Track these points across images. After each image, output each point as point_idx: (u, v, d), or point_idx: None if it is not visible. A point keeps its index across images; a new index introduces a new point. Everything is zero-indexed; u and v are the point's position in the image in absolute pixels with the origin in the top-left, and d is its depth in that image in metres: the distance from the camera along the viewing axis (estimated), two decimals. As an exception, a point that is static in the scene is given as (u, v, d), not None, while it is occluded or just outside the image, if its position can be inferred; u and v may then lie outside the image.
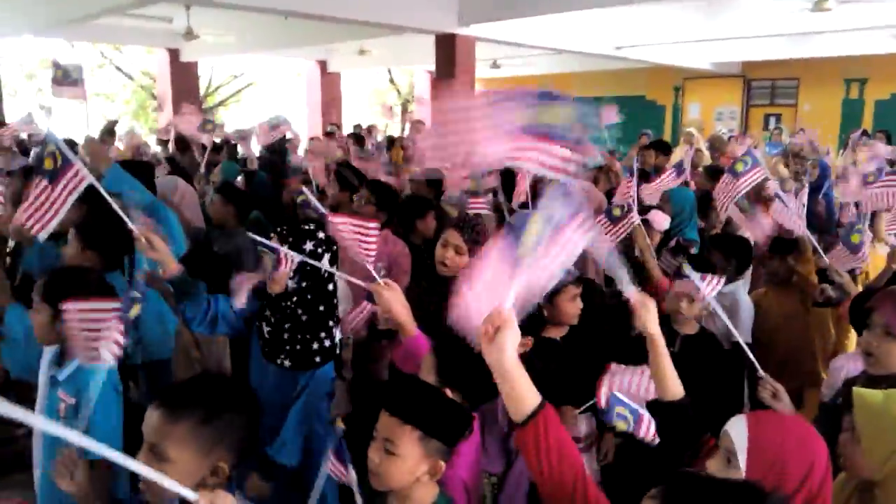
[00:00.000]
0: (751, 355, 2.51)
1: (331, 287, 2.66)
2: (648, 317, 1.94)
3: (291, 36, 12.82)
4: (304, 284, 2.59)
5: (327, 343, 2.64)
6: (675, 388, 1.95)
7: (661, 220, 4.42)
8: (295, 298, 2.60)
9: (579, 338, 3.15)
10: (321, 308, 2.63)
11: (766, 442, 1.60)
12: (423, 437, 1.71)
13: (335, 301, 2.69)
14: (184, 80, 15.15)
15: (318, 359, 2.62)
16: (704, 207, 5.33)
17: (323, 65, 17.24)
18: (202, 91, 20.64)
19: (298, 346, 2.61)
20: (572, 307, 3.10)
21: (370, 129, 11.80)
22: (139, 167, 4.41)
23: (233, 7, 8.79)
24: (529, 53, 14.75)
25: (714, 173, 7.05)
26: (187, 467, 1.50)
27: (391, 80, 24.37)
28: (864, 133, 11.38)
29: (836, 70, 14.73)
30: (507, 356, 1.52)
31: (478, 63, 15.92)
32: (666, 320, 3.19)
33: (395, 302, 2.29)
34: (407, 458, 1.71)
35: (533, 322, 3.05)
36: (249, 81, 23.02)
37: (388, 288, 2.30)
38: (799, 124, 13.74)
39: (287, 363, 2.62)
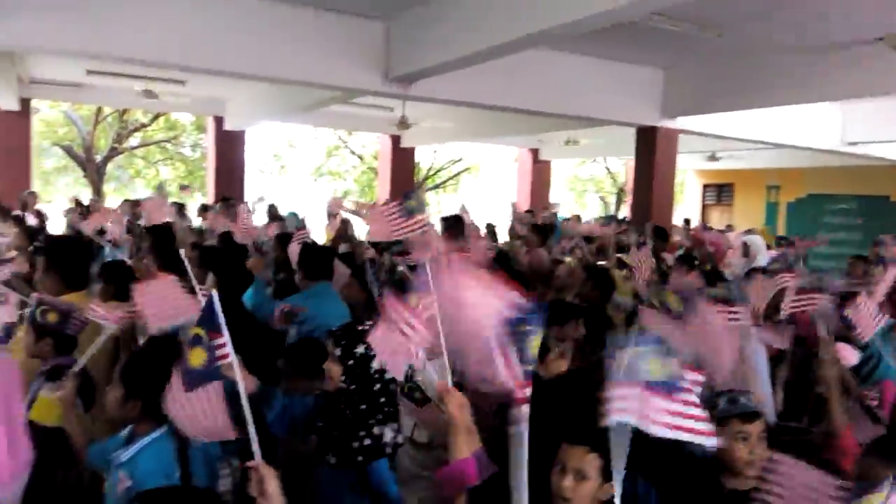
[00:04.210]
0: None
1: (377, 387, 2.58)
2: None
3: (503, 126, 13.26)
4: (352, 386, 2.56)
5: (367, 442, 2.53)
6: None
7: (849, 355, 3.59)
8: (344, 398, 2.58)
9: None
10: (363, 407, 2.58)
11: None
12: None
13: (381, 400, 2.60)
14: (402, 163, 16.19)
15: (359, 458, 2.53)
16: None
17: (535, 153, 17.55)
18: (423, 173, 21.98)
19: (342, 444, 2.58)
20: (741, 450, 2.32)
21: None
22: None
23: (445, 102, 9.31)
24: (753, 147, 13.87)
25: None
26: None
27: (607, 169, 24.22)
28: None
29: None
30: None
31: (694, 155, 15.44)
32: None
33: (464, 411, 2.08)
34: None
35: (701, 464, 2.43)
36: (467, 166, 24.04)
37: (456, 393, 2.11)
38: None
39: (332, 460, 2.57)
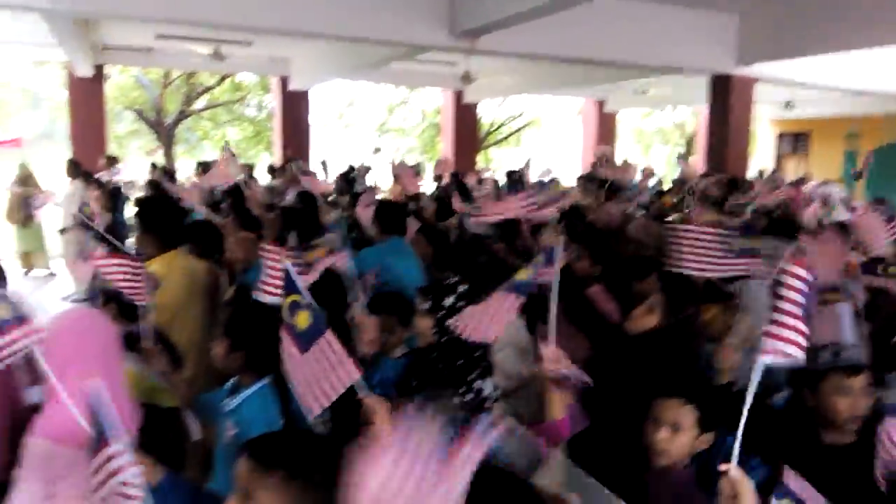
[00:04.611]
0: None
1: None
2: None
3: (569, 77, 12.96)
4: (442, 339, 2.51)
5: (470, 397, 2.52)
6: None
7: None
8: (435, 353, 2.54)
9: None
10: (460, 362, 2.52)
11: None
12: None
13: (477, 354, 2.56)
14: (464, 119, 16.08)
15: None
16: None
17: (600, 104, 17.16)
18: (485, 129, 21.80)
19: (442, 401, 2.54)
20: (843, 404, 2.30)
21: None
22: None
23: (512, 55, 9.16)
24: (832, 93, 13.26)
25: None
26: None
27: (674, 123, 23.58)
28: None
29: None
30: None
31: (769, 103, 14.84)
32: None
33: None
34: None
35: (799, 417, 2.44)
36: (529, 120, 23.69)
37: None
38: None
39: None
